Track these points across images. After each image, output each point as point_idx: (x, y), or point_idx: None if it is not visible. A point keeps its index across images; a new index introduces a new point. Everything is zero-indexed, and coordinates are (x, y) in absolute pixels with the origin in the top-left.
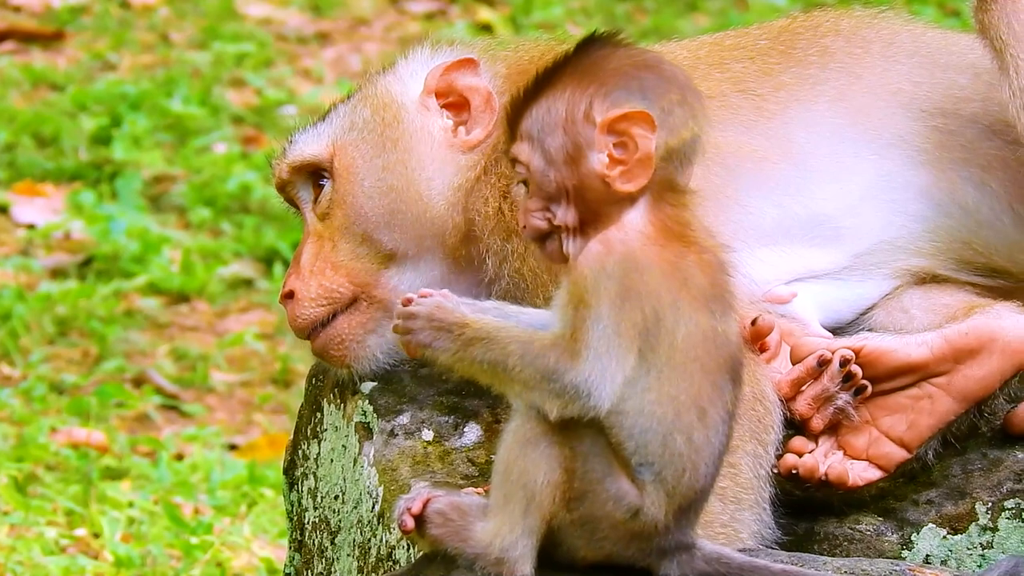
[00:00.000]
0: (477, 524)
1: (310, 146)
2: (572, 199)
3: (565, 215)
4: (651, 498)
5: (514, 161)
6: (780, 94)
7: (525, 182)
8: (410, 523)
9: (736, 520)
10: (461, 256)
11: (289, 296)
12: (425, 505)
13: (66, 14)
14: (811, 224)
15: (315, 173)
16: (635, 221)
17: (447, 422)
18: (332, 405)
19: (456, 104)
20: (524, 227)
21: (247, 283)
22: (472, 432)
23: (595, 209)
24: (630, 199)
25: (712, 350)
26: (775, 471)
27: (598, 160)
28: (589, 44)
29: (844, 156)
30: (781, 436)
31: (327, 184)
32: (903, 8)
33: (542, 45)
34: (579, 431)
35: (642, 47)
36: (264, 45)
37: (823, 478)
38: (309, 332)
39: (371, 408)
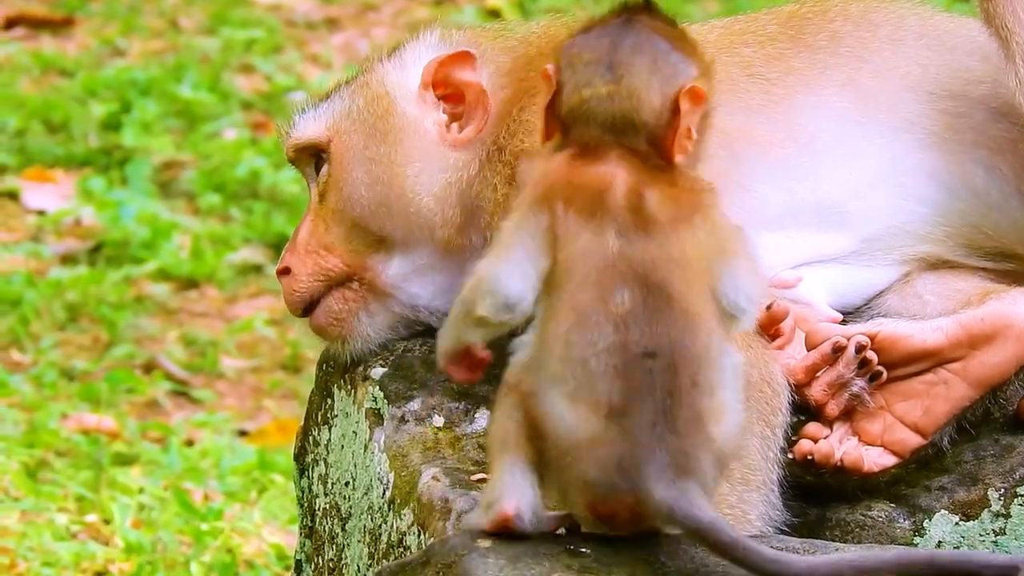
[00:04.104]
0: None
1: (309, 129)
2: None
3: None
4: (579, 413)
5: None
6: (789, 79)
7: None
8: None
9: (744, 501)
10: (455, 244)
11: (285, 272)
12: None
13: (75, 0)
14: (818, 209)
15: (316, 154)
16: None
17: (458, 408)
18: (342, 391)
19: (453, 96)
20: None
21: (257, 269)
22: (483, 418)
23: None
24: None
25: (601, 263)
26: (791, 457)
27: None
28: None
29: (852, 140)
30: (789, 419)
31: (325, 166)
32: None
33: (551, 31)
34: (523, 373)
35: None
36: (273, 31)
37: (838, 464)
38: (304, 308)
39: (381, 394)
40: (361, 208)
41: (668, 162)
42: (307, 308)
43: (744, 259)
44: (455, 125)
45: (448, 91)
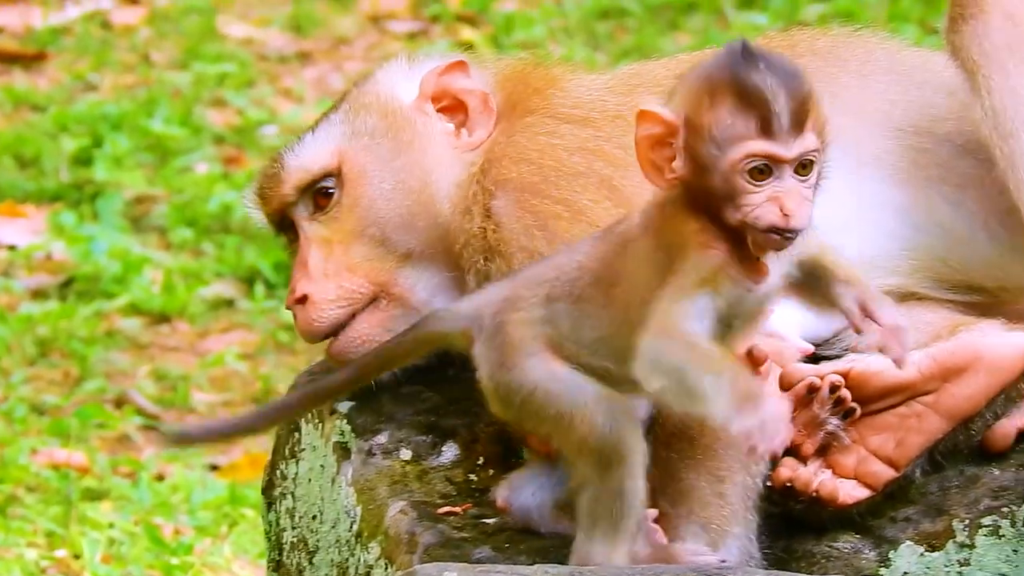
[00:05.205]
0: None
1: (314, 160)
2: None
3: None
4: None
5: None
6: None
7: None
8: None
9: (720, 547)
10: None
11: (301, 300)
12: None
13: (47, 35)
14: None
15: (318, 185)
16: None
17: (425, 441)
18: (310, 425)
19: (450, 108)
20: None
21: (228, 303)
22: (450, 451)
23: None
24: None
25: None
26: (768, 484)
27: None
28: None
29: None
30: (769, 467)
31: (335, 191)
32: (883, 26)
33: (526, 61)
34: None
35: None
36: (245, 65)
37: (814, 494)
38: (327, 334)
39: (349, 428)
40: (388, 222)
41: None
42: (332, 333)
43: None
44: (463, 131)
45: (444, 102)
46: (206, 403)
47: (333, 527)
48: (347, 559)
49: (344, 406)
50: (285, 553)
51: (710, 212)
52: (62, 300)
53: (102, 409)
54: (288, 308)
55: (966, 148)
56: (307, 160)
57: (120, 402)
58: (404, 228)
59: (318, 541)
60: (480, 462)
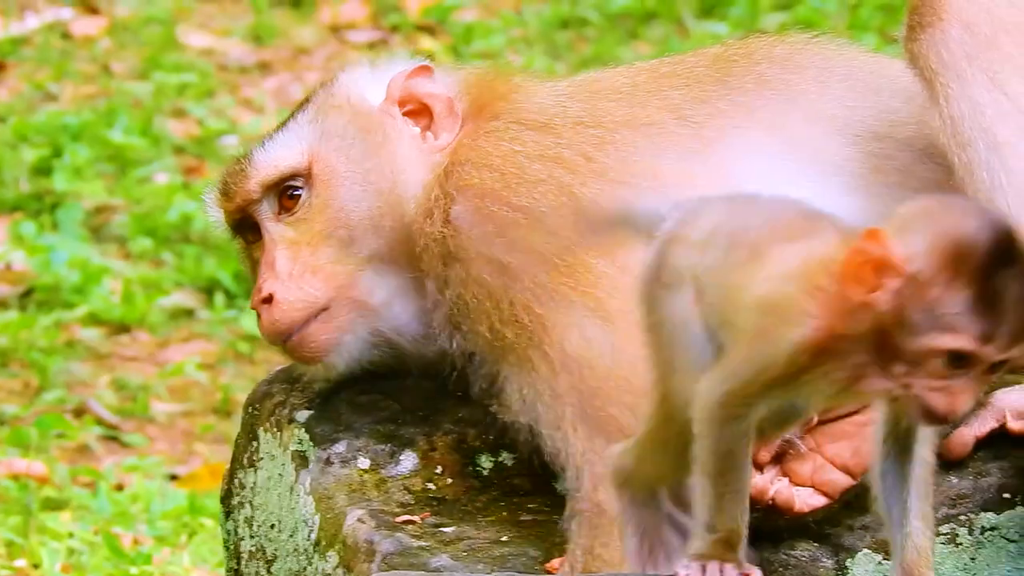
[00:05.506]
0: None
1: (283, 159)
2: None
3: None
4: None
5: None
6: (717, 121)
7: None
8: None
9: None
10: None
11: (268, 300)
12: None
13: (7, 45)
14: None
15: (284, 184)
16: None
17: (383, 450)
18: (268, 433)
19: (415, 112)
20: None
21: (188, 313)
22: (408, 460)
23: None
24: None
25: None
26: None
27: None
28: None
29: (781, 183)
30: None
31: (303, 191)
32: (843, 35)
33: (489, 68)
34: None
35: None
36: (205, 75)
37: (770, 502)
38: (286, 336)
39: (307, 436)
40: (357, 224)
41: None
42: (289, 336)
43: None
44: (428, 134)
45: (410, 106)
46: (166, 413)
47: (291, 536)
48: (305, 568)
49: (302, 415)
50: (243, 562)
51: (878, 344)
52: (22, 310)
53: (62, 419)
54: (253, 308)
55: (926, 153)
56: (276, 158)
57: (80, 412)
58: (372, 230)
59: (276, 550)
60: (438, 471)
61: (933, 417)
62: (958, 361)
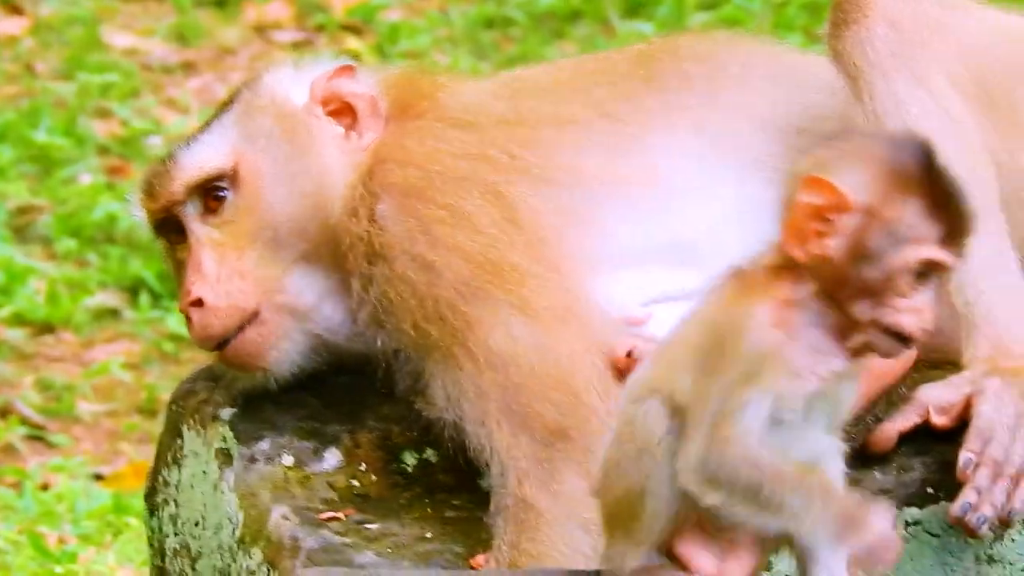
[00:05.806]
0: None
1: (208, 160)
2: None
3: None
4: None
5: None
6: (642, 118)
7: None
8: None
9: None
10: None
11: (197, 304)
12: None
13: None
14: (672, 248)
15: (209, 186)
16: None
17: (307, 447)
18: (192, 431)
19: (338, 111)
20: None
21: (113, 313)
22: (332, 457)
23: None
24: None
25: None
26: None
27: None
28: None
29: (705, 179)
30: None
31: (228, 194)
32: (768, 34)
33: (413, 67)
34: None
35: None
36: (129, 75)
37: None
38: (219, 342)
39: (231, 434)
40: (283, 225)
41: None
42: (222, 342)
43: None
44: (352, 134)
45: (332, 106)
46: (91, 413)
47: (215, 533)
48: (229, 565)
49: (226, 413)
50: (168, 559)
51: (835, 299)
52: None
53: None
54: (182, 311)
55: None
56: (201, 159)
57: (5, 412)
58: (298, 232)
59: (200, 547)
60: (362, 468)
61: (906, 340)
62: (923, 274)
